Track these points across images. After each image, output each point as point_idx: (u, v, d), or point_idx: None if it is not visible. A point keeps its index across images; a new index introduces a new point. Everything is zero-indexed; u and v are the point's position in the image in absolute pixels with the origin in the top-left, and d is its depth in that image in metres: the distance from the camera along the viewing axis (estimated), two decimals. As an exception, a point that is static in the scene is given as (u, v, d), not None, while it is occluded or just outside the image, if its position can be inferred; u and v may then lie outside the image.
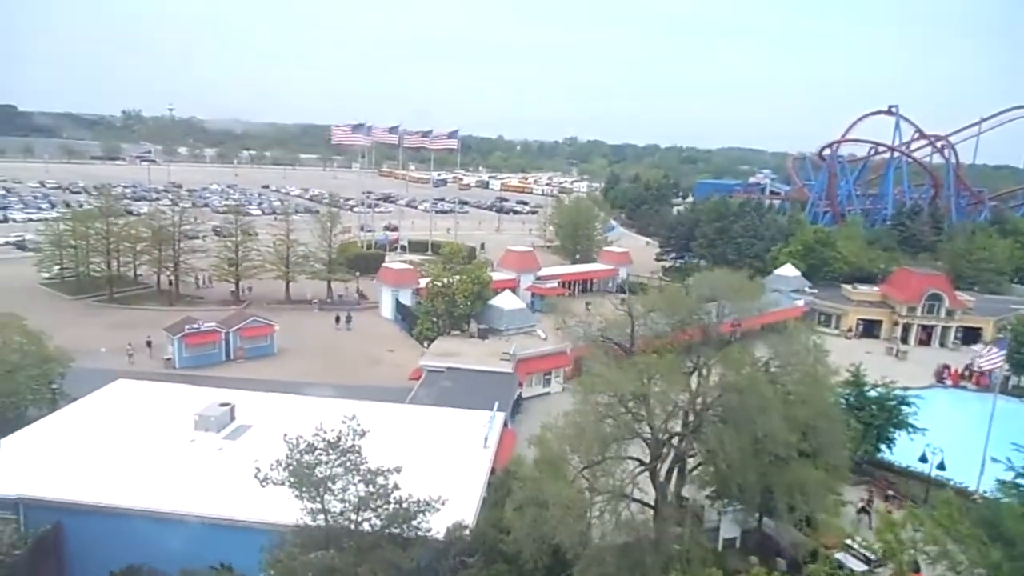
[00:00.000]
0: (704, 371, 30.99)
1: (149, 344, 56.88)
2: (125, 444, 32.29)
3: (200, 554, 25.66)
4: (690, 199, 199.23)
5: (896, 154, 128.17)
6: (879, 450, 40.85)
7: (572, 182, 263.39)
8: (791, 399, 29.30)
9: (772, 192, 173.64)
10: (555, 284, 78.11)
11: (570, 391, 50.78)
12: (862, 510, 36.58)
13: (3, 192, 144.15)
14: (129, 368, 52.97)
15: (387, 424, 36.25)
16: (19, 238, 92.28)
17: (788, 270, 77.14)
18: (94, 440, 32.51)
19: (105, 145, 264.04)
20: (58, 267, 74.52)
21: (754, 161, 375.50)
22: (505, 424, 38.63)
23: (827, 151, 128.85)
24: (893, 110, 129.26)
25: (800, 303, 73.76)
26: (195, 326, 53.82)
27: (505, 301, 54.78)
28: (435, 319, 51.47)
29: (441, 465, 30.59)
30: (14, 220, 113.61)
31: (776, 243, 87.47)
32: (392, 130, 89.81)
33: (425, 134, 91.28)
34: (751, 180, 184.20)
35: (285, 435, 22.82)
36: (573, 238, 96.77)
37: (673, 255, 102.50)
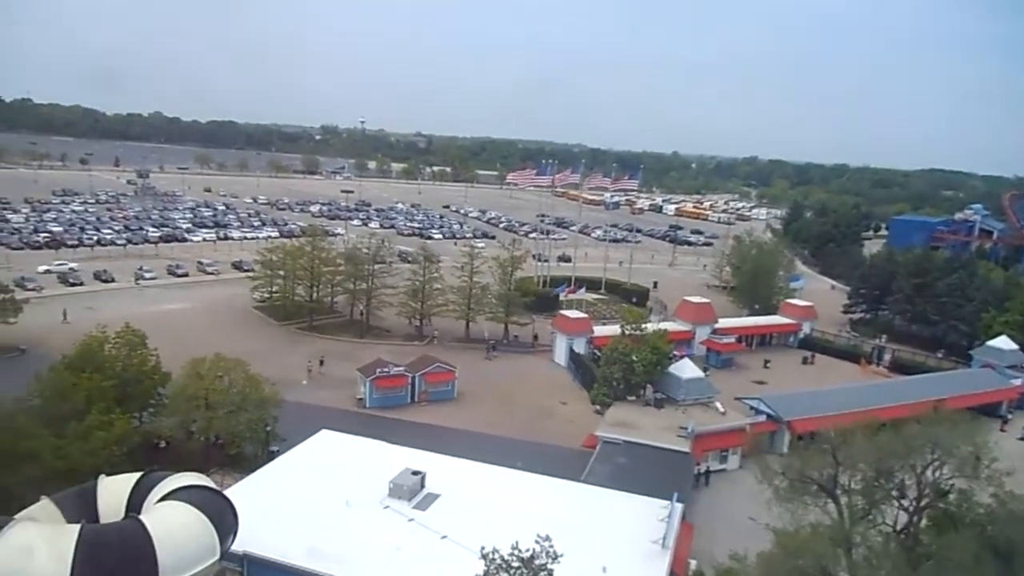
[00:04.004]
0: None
1: (322, 363, 65.75)
2: (328, 503, 35.19)
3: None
4: (883, 231, 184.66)
5: None
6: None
7: (751, 208, 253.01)
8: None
9: (982, 230, 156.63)
10: (732, 339, 75.31)
11: (748, 469, 49.06)
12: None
13: (224, 208, 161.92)
14: (325, 402, 57.88)
15: (562, 504, 36.99)
16: (237, 260, 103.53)
17: (1003, 342, 69.13)
18: (301, 496, 35.73)
19: (305, 159, 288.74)
20: (268, 292, 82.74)
21: (960, 186, 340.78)
22: (683, 516, 37.82)
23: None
24: None
25: (1017, 383, 65.98)
26: (385, 370, 57.64)
27: (683, 369, 53.74)
28: (612, 384, 51.58)
29: (618, 562, 30.62)
30: (231, 238, 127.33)
31: (988, 305, 78.70)
32: (574, 172, 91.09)
33: (606, 175, 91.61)
34: (958, 216, 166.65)
35: (483, 549, 23.74)
36: (752, 285, 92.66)
37: (863, 308, 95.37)
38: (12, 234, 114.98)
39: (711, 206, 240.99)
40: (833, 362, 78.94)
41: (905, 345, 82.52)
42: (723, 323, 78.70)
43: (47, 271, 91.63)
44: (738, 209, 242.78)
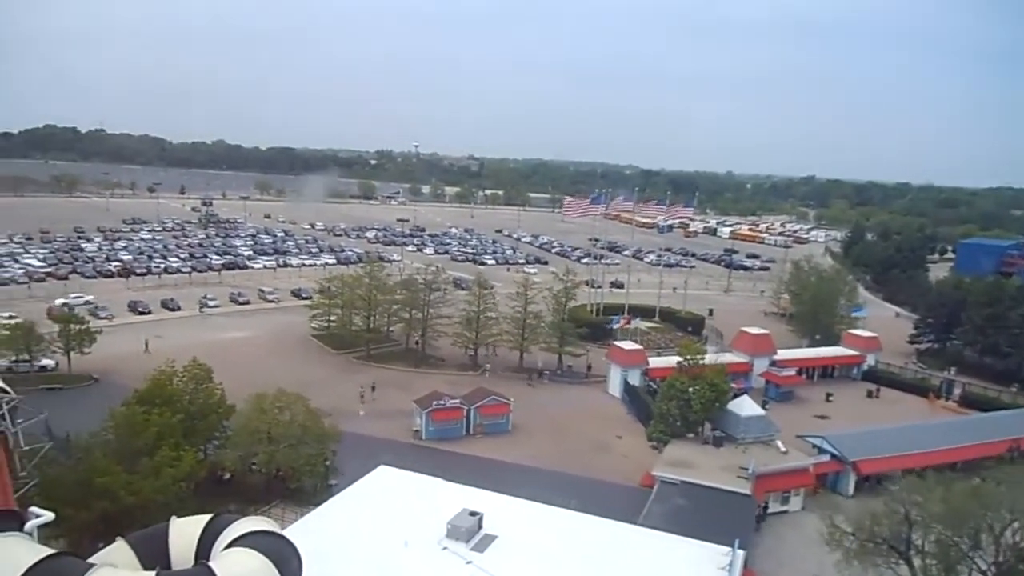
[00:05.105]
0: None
1: (373, 389, 67.29)
2: (387, 543, 35.45)
3: None
4: (949, 254, 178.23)
5: None
6: None
7: (808, 230, 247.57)
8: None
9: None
10: (792, 371, 73.52)
11: (811, 511, 47.67)
12: None
13: (283, 235, 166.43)
14: (382, 433, 58.60)
15: (619, 548, 36.49)
16: (296, 287, 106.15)
17: (1083, 377, 65.93)
18: (360, 536, 36.10)
19: (361, 184, 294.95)
20: (326, 321, 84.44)
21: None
22: (745, 563, 36.90)
23: None
24: None
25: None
26: (441, 402, 58.14)
27: (742, 406, 52.67)
28: (669, 420, 50.93)
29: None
30: (291, 265, 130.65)
31: (1066, 336, 75.19)
32: (627, 199, 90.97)
33: (660, 202, 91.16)
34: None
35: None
36: (813, 314, 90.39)
37: (931, 338, 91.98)
38: (86, 263, 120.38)
39: (767, 228, 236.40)
40: (899, 396, 76.26)
41: (976, 378, 79.10)
42: (783, 354, 76.91)
43: (64, 304, 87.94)
44: (795, 231, 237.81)
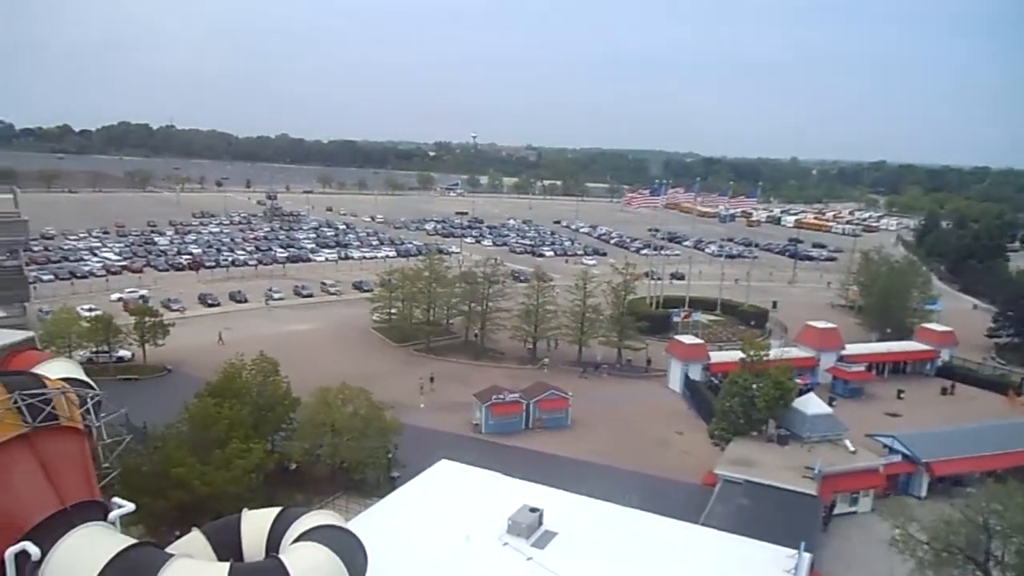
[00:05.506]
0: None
1: (432, 380, 68.33)
2: (448, 537, 35.87)
3: None
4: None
5: None
6: None
7: (879, 218, 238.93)
8: None
9: None
10: (861, 367, 71.17)
11: (880, 512, 46.18)
12: None
13: (344, 227, 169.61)
14: (442, 426, 59.31)
15: (680, 548, 36.03)
16: (358, 280, 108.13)
17: None
18: (422, 530, 36.55)
19: (420, 176, 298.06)
20: (387, 314, 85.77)
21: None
22: (811, 566, 36.01)
23: None
24: None
25: None
26: (501, 396, 58.45)
27: (808, 404, 51.23)
28: (732, 417, 49.98)
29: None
30: (352, 258, 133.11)
31: None
32: (688, 190, 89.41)
33: (723, 193, 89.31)
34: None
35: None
36: (883, 308, 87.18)
37: (1011, 332, 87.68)
38: (159, 256, 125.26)
39: (834, 217, 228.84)
40: (976, 393, 72.91)
41: (1061, 375, 75.21)
42: (851, 349, 74.53)
43: (119, 299, 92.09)
44: (864, 220, 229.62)
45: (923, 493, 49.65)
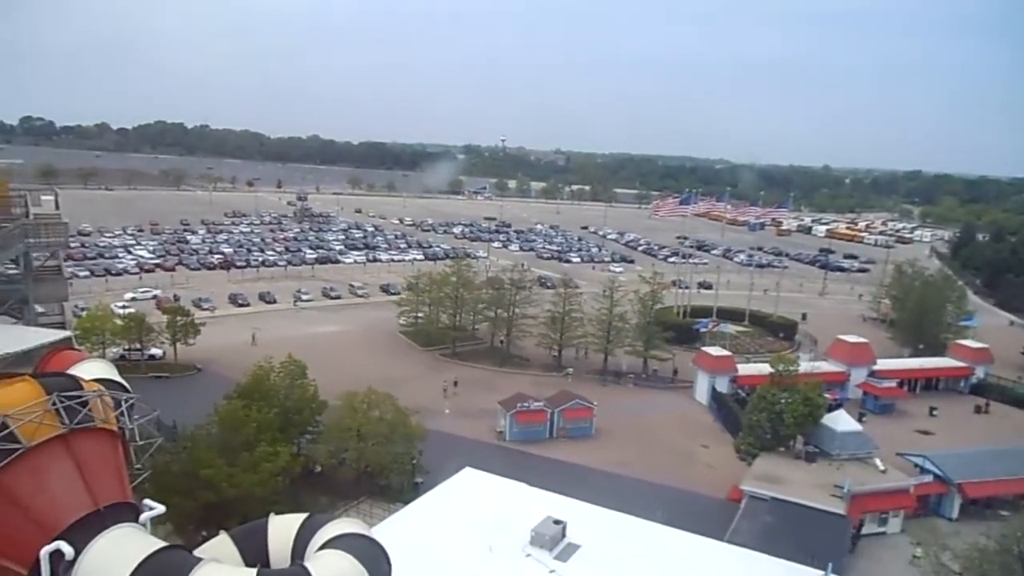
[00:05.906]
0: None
1: (456, 384, 68.88)
2: (471, 547, 35.88)
3: None
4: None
5: None
6: None
7: (912, 229, 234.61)
8: None
9: None
10: (893, 383, 69.93)
11: (909, 534, 45.35)
12: None
13: (373, 229, 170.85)
14: (467, 432, 59.38)
15: (704, 565, 35.60)
16: (385, 283, 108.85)
17: None
18: (445, 539, 36.63)
19: (448, 179, 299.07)
20: (414, 318, 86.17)
21: None
22: (839, 588, 35.43)
23: None
24: None
25: None
26: (525, 404, 58.41)
27: (838, 421, 50.50)
28: (759, 432, 49.41)
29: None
30: (380, 260, 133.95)
31: None
32: (719, 200, 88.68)
33: (753, 203, 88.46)
34: None
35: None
36: (917, 323, 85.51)
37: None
38: (191, 255, 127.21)
39: (867, 227, 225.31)
40: (1012, 411, 71.39)
41: (1101, 396, 73.13)
42: (882, 364, 73.24)
43: (133, 299, 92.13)
44: (898, 230, 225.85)
45: (955, 515, 48.61)
